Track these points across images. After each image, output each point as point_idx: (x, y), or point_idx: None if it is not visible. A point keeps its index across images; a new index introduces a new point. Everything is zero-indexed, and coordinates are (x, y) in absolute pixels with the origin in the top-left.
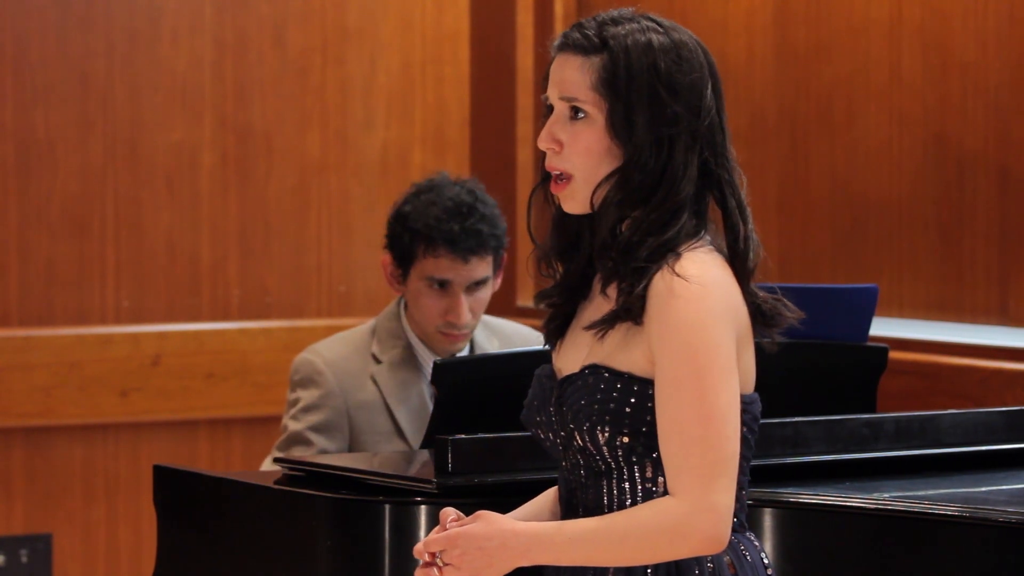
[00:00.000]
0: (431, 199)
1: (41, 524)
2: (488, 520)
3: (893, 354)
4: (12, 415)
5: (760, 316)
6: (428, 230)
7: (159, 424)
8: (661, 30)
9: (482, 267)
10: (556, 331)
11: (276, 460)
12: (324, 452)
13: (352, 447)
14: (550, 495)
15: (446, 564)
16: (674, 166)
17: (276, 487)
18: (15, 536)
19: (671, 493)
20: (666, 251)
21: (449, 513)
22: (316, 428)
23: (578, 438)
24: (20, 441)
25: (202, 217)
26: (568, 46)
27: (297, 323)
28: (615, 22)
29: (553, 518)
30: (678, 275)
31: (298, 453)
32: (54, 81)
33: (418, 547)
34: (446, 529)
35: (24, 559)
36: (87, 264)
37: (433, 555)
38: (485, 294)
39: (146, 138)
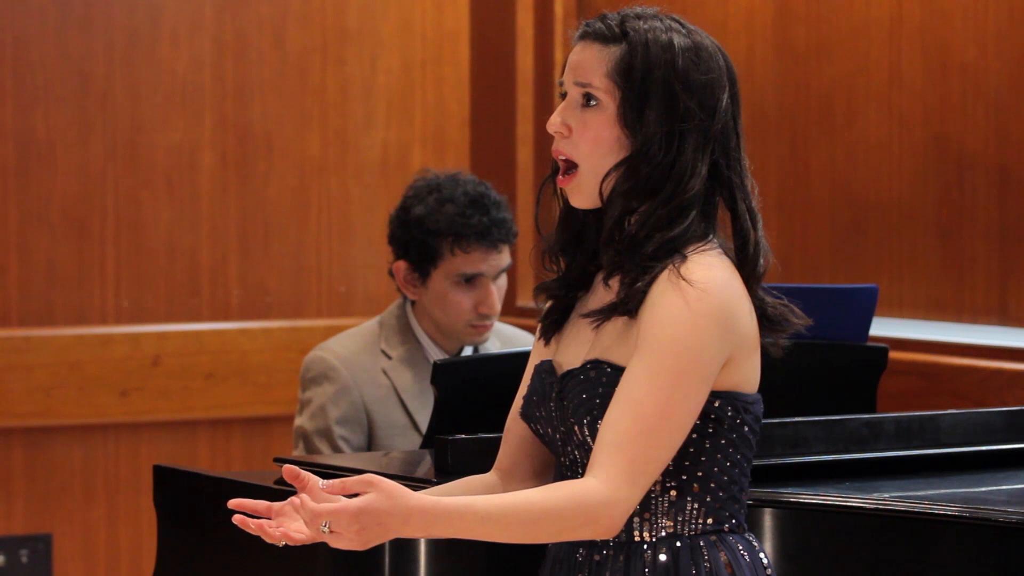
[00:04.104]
0: (443, 198)
1: (41, 524)
2: (389, 494)
3: (893, 354)
4: (12, 415)
5: (767, 321)
6: (455, 227)
7: (159, 424)
8: (683, 31)
9: (506, 255)
10: (553, 325)
11: (276, 460)
12: (348, 450)
13: (370, 442)
14: (473, 483)
15: (333, 532)
16: (683, 162)
17: (276, 487)
18: (15, 536)
19: (593, 467)
20: (672, 249)
21: (300, 475)
22: (339, 422)
23: (578, 432)
24: (20, 441)
25: (202, 217)
26: (589, 34)
27: (297, 323)
28: (639, 17)
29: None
30: (683, 279)
31: (324, 451)
32: (54, 81)
33: (312, 509)
34: (307, 487)
35: (24, 559)
36: (87, 264)
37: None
38: (505, 281)
39: (146, 138)
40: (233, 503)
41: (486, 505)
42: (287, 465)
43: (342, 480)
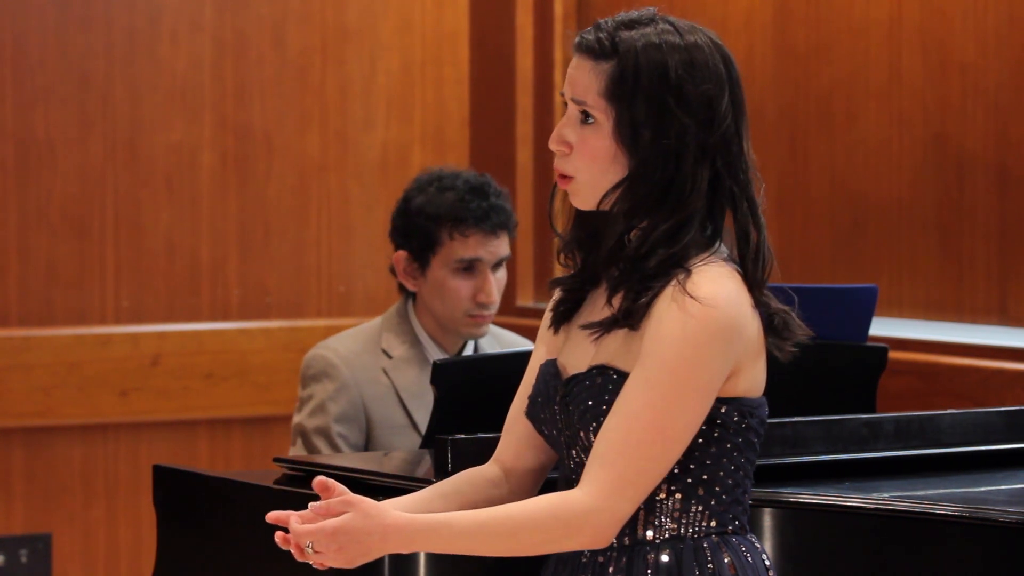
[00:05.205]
0: (443, 186)
1: (41, 524)
2: (366, 513)
3: (893, 354)
4: (12, 415)
5: (771, 329)
6: (454, 212)
7: (159, 424)
8: (678, 36)
9: (505, 243)
10: (563, 315)
11: (276, 460)
12: (345, 448)
13: (368, 441)
14: (474, 475)
15: (316, 552)
16: (681, 179)
17: (276, 487)
18: (15, 536)
19: (584, 478)
20: (675, 264)
21: (329, 485)
22: (337, 420)
23: (584, 437)
24: (20, 441)
25: (202, 217)
26: (582, 48)
27: (297, 323)
28: (630, 26)
29: (442, 509)
30: (690, 295)
31: (322, 448)
32: (54, 81)
33: (296, 530)
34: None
35: (24, 559)
36: (87, 264)
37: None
38: (504, 274)
39: (146, 138)
40: (272, 517)
41: (463, 521)
42: (319, 478)
43: (327, 502)
